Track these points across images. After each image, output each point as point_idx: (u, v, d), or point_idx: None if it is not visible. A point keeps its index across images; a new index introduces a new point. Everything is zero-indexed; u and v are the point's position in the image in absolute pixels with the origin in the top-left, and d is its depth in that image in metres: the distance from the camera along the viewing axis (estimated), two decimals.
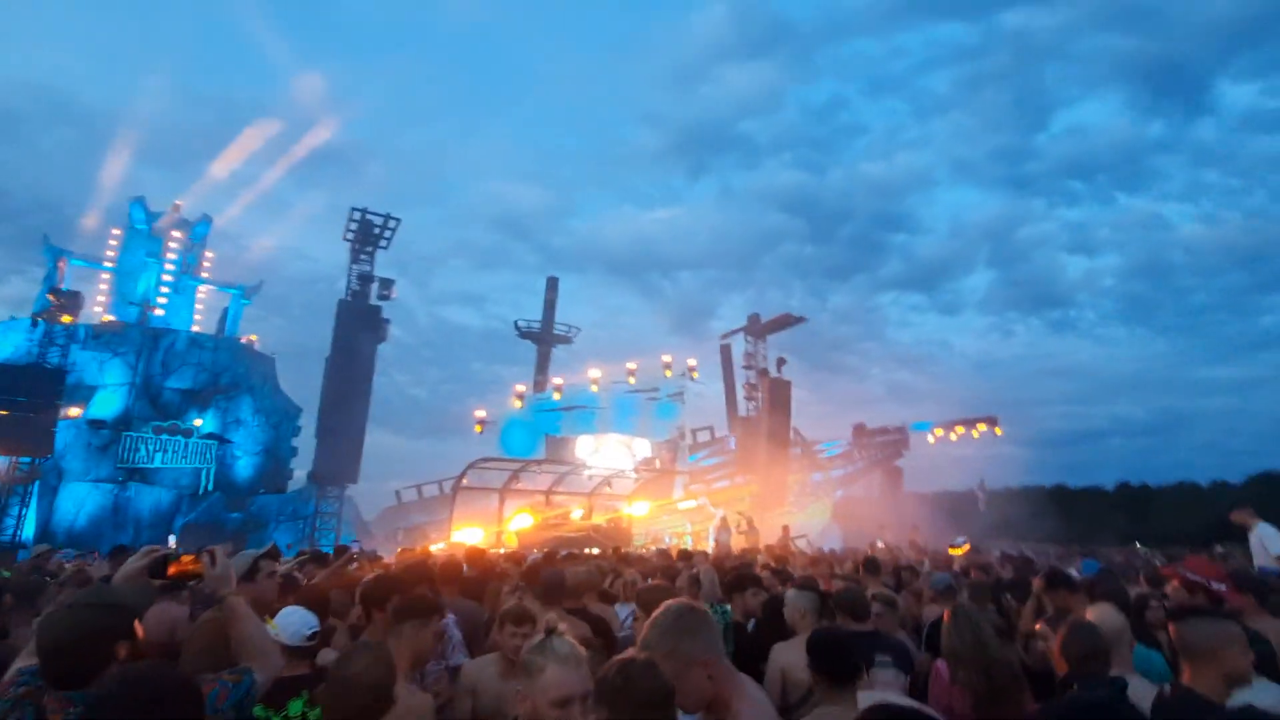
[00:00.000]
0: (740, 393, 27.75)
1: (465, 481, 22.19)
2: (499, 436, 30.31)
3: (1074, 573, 6.14)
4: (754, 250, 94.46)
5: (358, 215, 21.55)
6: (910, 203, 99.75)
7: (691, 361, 29.19)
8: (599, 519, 21.79)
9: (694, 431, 31.93)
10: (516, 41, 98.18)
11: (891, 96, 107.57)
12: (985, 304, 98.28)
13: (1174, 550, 18.86)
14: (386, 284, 21.92)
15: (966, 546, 8.73)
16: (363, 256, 21.58)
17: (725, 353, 29.15)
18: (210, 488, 19.64)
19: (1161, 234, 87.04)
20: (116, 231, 23.47)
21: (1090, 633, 2.42)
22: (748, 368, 25.58)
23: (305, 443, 24.02)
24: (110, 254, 23.06)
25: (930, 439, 28.07)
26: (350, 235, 21.50)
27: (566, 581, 3.92)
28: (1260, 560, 6.14)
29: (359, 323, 20.77)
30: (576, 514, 22.33)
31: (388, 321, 22.33)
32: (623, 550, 12.86)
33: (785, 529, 15.58)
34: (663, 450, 28.94)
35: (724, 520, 16.41)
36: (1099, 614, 2.65)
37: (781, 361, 25.12)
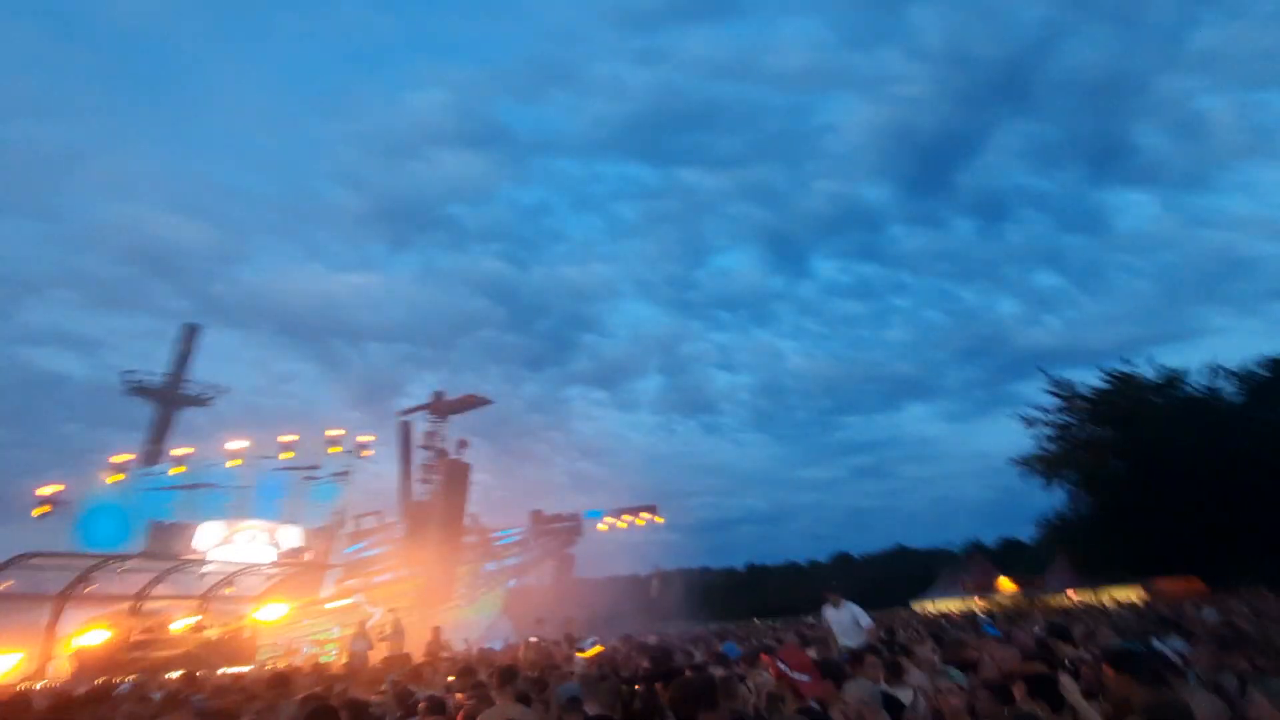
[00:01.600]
0: (416, 474, 25.60)
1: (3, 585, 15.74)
2: (87, 524, 22.89)
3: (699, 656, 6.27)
4: (452, 331, 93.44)
5: None
6: (599, 308, 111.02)
7: (366, 438, 26.24)
8: (216, 631, 17.27)
9: (358, 517, 28.36)
10: (199, 54, 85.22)
11: (590, 214, 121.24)
12: (655, 404, 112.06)
13: (783, 620, 22.14)
14: None
15: (597, 649, 8.66)
16: None
17: (404, 430, 26.84)
18: None
19: (778, 362, 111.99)
20: None
21: None
22: (426, 448, 23.83)
23: None
24: None
25: (602, 526, 29.31)
26: None
27: None
28: (842, 631, 7.25)
29: None
30: (184, 624, 17.44)
31: None
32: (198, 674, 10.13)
33: (434, 630, 14.10)
34: (317, 539, 24.89)
35: (360, 626, 14.26)
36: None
37: (463, 443, 24.04)
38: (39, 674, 14.71)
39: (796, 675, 3.40)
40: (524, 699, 4.63)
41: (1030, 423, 28.70)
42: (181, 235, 72.74)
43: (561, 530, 28.48)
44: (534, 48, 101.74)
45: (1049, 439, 28.35)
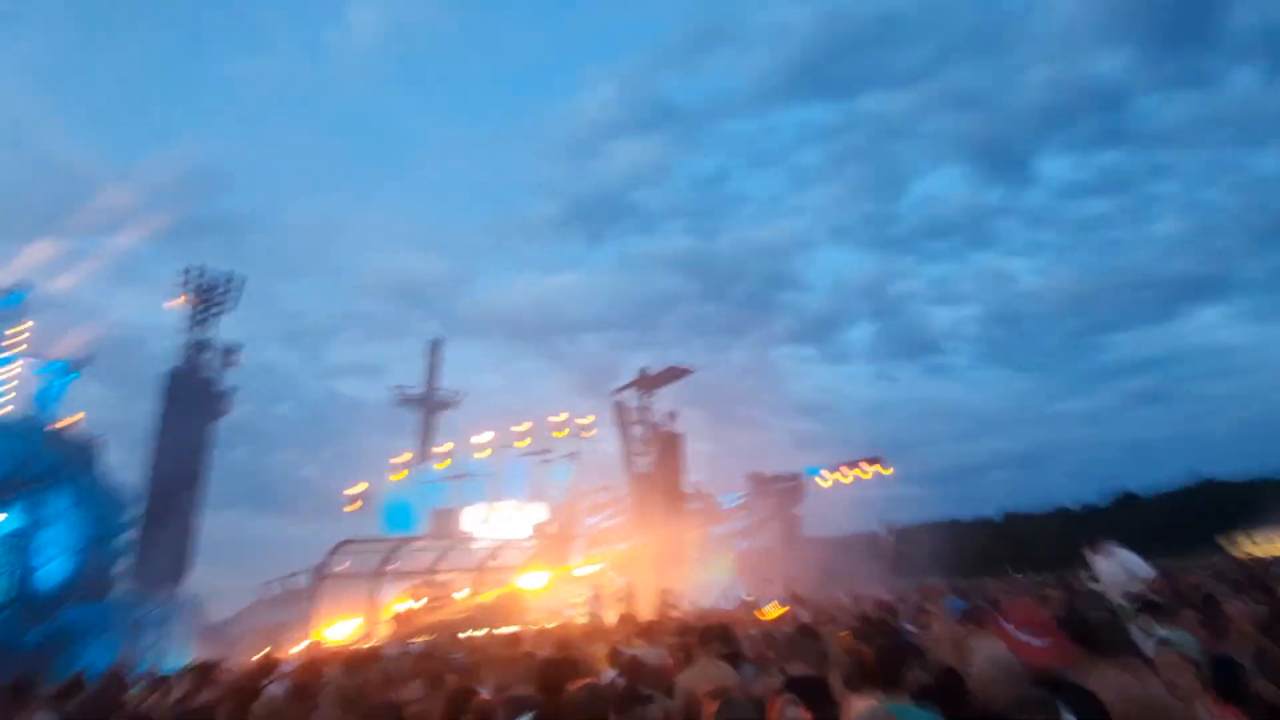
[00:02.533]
0: (635, 448, 26.97)
1: (333, 568, 19.88)
2: (387, 515, 27.91)
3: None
4: (654, 311, 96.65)
5: (193, 275, 19.36)
6: (795, 263, 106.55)
7: (586, 419, 28.32)
8: (489, 596, 19.97)
9: (594, 492, 30.75)
10: (406, 116, 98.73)
11: (771, 169, 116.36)
12: (869, 353, 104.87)
13: (1052, 573, 19.46)
14: (230, 352, 19.64)
15: (780, 610, 8.17)
16: (200, 322, 19.28)
17: (618, 409, 28.41)
18: (6, 599, 16.25)
19: (1010, 286, 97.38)
20: None
21: None
22: (638, 423, 24.95)
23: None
24: None
25: (822, 482, 28.29)
26: (184, 297, 19.18)
27: None
28: (1114, 585, 5.99)
29: (190, 396, 18.32)
30: (465, 592, 20.50)
31: (228, 393, 19.90)
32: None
33: (663, 592, 14.65)
34: (560, 514, 27.51)
35: (597, 591, 15.28)
36: None
37: (672, 415, 24.71)
38: (368, 636, 18.21)
39: (1026, 637, 2.77)
40: (730, 659, 4.50)
41: None
42: (424, 268, 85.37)
43: (783, 490, 28.06)
44: (685, 16, 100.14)
45: None
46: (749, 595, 20.93)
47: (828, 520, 29.55)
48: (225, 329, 21.02)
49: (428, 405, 29.48)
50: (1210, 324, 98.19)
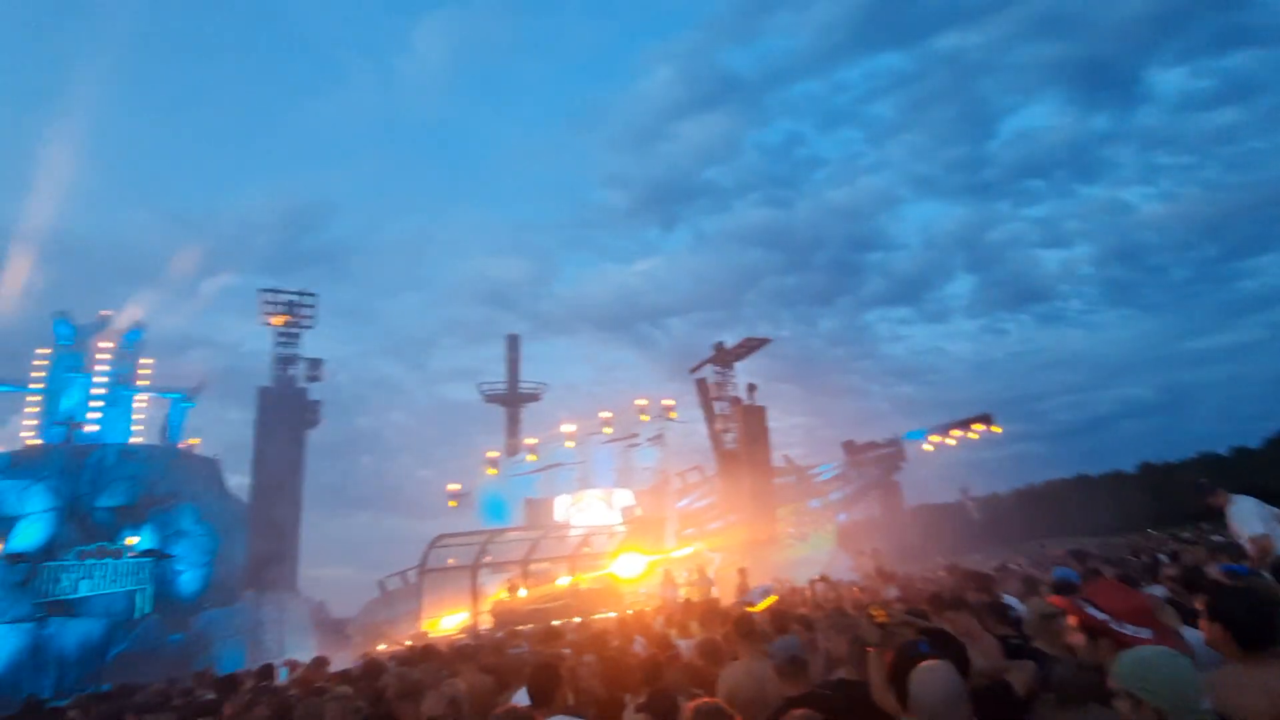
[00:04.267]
0: (720, 425, 26.30)
1: (431, 562, 20.58)
2: (484, 509, 28.78)
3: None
4: (736, 288, 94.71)
5: (270, 296, 20.52)
6: (879, 222, 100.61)
7: (669, 401, 27.90)
8: (583, 582, 20.04)
9: (683, 473, 30.40)
10: (478, 127, 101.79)
11: (844, 128, 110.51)
12: (972, 308, 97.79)
13: (1195, 528, 17.11)
14: (314, 365, 20.68)
15: (770, 599, 7.19)
16: (284, 339, 20.43)
17: (701, 387, 27.80)
18: (148, 610, 17.98)
19: (1126, 218, 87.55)
20: (44, 351, 22.49)
21: None
22: (718, 399, 24.23)
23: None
24: (37, 375, 22.02)
25: (926, 447, 26.50)
26: (267, 318, 20.40)
27: None
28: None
29: (282, 409, 19.46)
30: (564, 580, 20.71)
31: (317, 404, 20.98)
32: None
33: (741, 572, 13.96)
34: (648, 498, 27.31)
35: (668, 575, 14.77)
36: None
37: (752, 388, 23.80)
38: (473, 627, 18.68)
39: (1116, 625, 2.01)
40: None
41: None
42: (508, 272, 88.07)
43: (880, 458, 26.52)
44: None
45: None
46: (851, 570, 19.90)
47: (937, 486, 27.66)
48: (317, 346, 22.21)
49: (511, 400, 30.01)
50: None
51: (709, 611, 6.26)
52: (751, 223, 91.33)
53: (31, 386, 21.79)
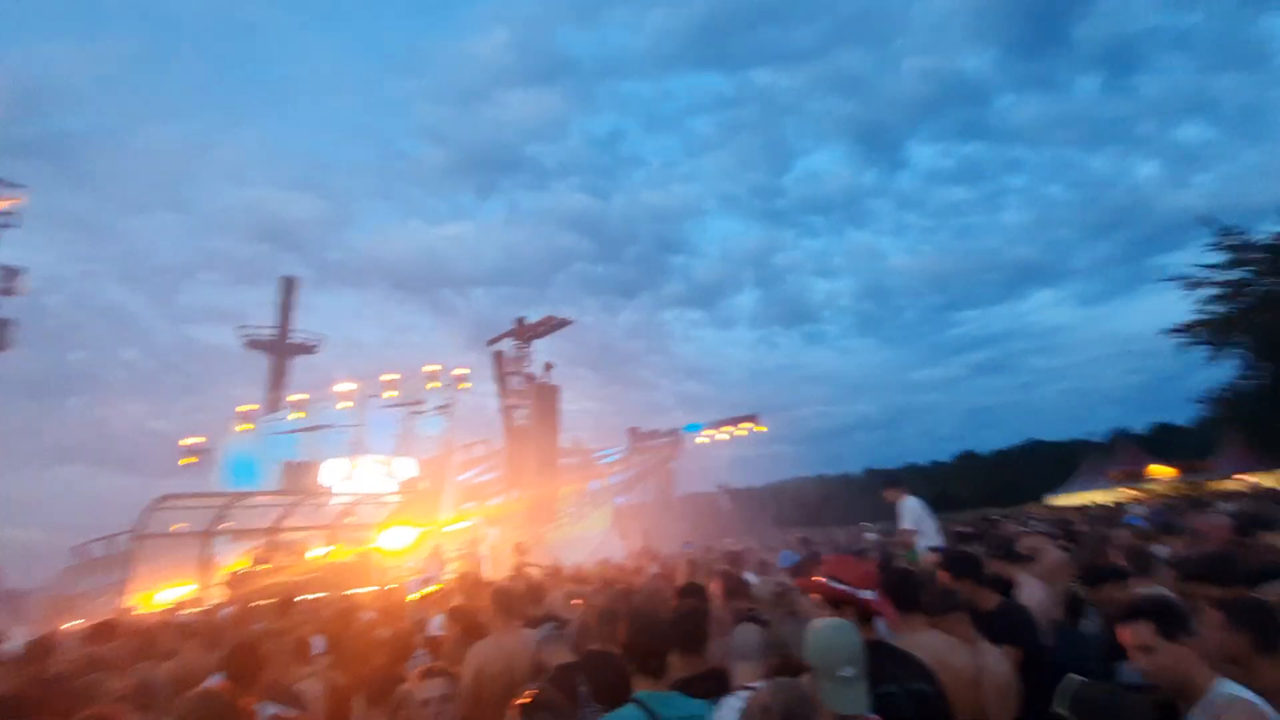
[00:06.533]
0: (511, 400, 25.92)
1: (152, 526, 17.53)
2: (230, 469, 25.28)
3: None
4: (546, 268, 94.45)
5: None
6: (686, 228, 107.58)
7: (461, 370, 26.84)
8: (342, 555, 18.50)
9: (468, 446, 29.58)
10: (282, 39, 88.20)
11: (665, 134, 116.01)
12: (753, 319, 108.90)
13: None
14: (9, 274, 16.26)
15: (436, 586, 7.68)
16: None
17: (498, 360, 27.14)
18: None
19: (880, 263, 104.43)
20: None
21: None
22: (513, 374, 23.87)
23: None
24: None
25: (701, 439, 28.75)
26: None
27: None
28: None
29: None
30: (320, 552, 18.90)
31: (8, 323, 16.62)
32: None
33: (517, 546, 14.05)
34: (430, 469, 26.10)
35: (436, 549, 14.42)
36: None
37: (549, 366, 23.84)
38: (199, 601, 16.30)
39: (855, 592, 2.28)
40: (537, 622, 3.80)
41: (1194, 284, 24.14)
42: (295, 209, 77.56)
43: (660, 446, 28.18)
44: None
45: (1215, 298, 23.85)
46: (623, 551, 20.91)
47: (707, 477, 30.18)
48: (22, 254, 17.45)
49: (279, 349, 26.53)
50: (1044, 304, 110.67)
51: (473, 586, 6.07)
52: (569, 206, 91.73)
53: None
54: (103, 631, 4.96)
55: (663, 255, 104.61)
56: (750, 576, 5.06)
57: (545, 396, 23.01)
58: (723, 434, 29.78)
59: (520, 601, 4.08)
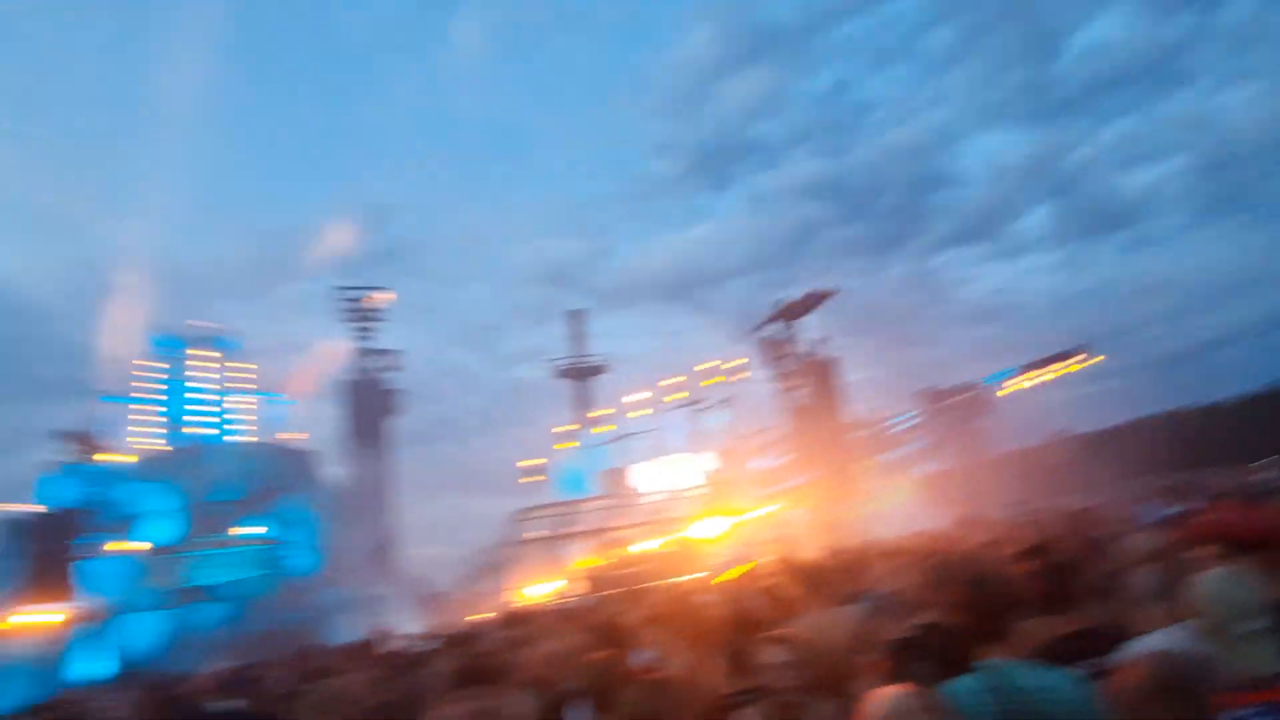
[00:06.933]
0: (789, 383, 25.94)
1: (514, 536, 21.46)
2: (561, 482, 29.64)
3: None
4: (795, 244, 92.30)
5: (344, 293, 21.59)
6: (941, 160, 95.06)
7: (735, 363, 27.79)
8: (664, 547, 20.48)
9: (757, 433, 30.31)
10: (521, 111, 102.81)
11: (895, 65, 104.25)
12: (1049, 240, 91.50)
13: None
14: (392, 356, 21.72)
15: (740, 569, 6.83)
16: (362, 334, 21.54)
17: (767, 346, 27.46)
18: (269, 591, 19.66)
19: (1215, 127, 79.17)
20: (152, 364, 24.53)
21: None
22: (786, 356, 23.85)
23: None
24: (147, 387, 24.10)
25: (1013, 388, 25.29)
26: (345, 316, 21.55)
27: None
28: None
29: (367, 401, 20.60)
30: (646, 545, 21.22)
31: (399, 394, 22.06)
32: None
33: (824, 525, 13.81)
34: (726, 460, 27.42)
35: (747, 535, 14.73)
36: None
37: (821, 341, 23.28)
38: (558, 594, 19.44)
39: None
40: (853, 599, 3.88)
41: None
42: (566, 251, 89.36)
43: (960, 404, 25.52)
44: None
45: None
46: (934, 522, 19.42)
47: (1026, 430, 26.38)
48: (394, 340, 23.39)
49: (578, 374, 30.58)
50: None
51: (786, 568, 6.28)
52: (805, 175, 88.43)
53: (145, 397, 23.89)
54: (509, 619, 6.35)
55: (920, 197, 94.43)
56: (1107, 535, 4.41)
57: (822, 373, 22.55)
58: (1040, 377, 25.89)
59: (834, 578, 4.14)
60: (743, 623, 3.65)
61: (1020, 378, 26.10)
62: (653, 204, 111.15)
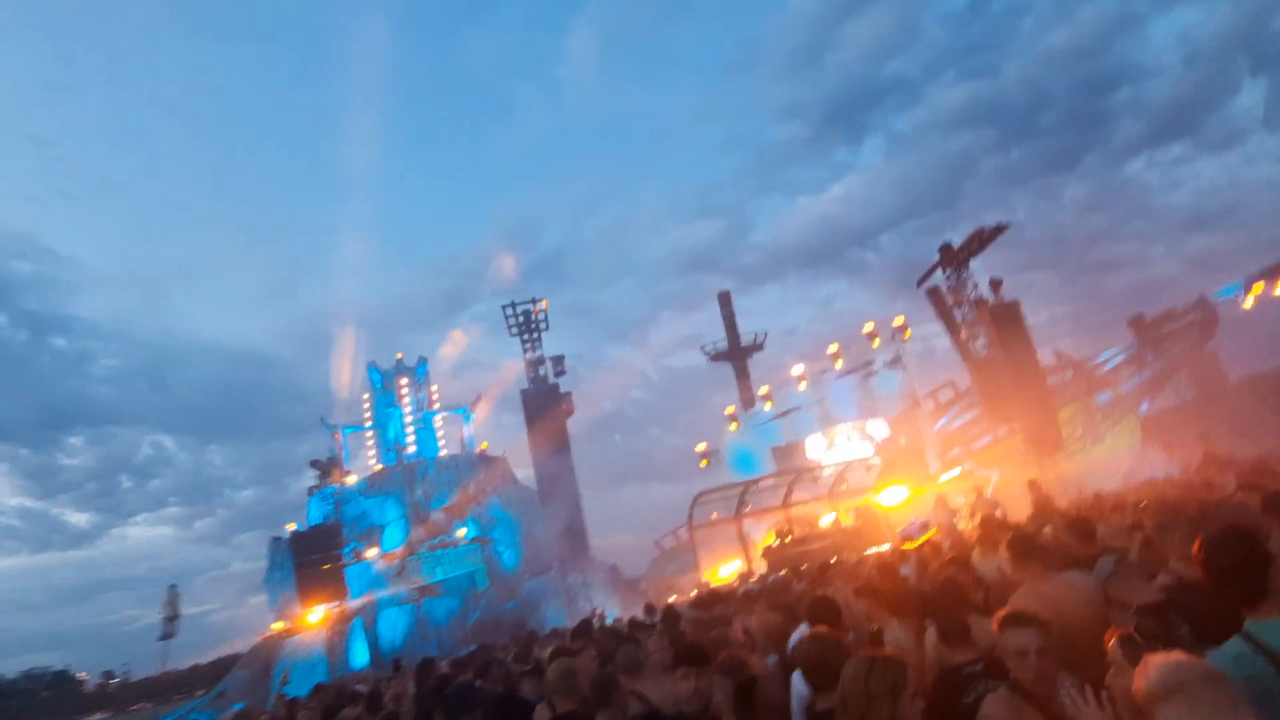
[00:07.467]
0: (965, 334, 23.85)
1: (697, 518, 21.93)
2: (733, 463, 29.84)
3: None
4: (951, 181, 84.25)
5: (510, 310, 23.53)
6: (1117, 51, 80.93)
7: (899, 320, 26.15)
8: (847, 520, 19.91)
9: (934, 393, 28.37)
10: (642, 107, 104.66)
11: None
12: (1271, 119, 74.69)
13: None
14: (558, 362, 23.28)
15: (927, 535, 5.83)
16: (528, 344, 23.33)
17: (934, 296, 25.39)
18: (485, 585, 22.07)
19: None
20: (366, 396, 28.43)
21: None
22: (955, 305, 21.93)
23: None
24: (367, 415, 27.96)
25: (1248, 303, 21.17)
26: (513, 330, 23.49)
27: None
28: None
29: (542, 405, 22.25)
30: (826, 519, 20.81)
31: (569, 395, 23.62)
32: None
33: (1031, 484, 12.53)
34: (901, 425, 25.94)
35: (940, 500, 13.75)
36: None
37: (996, 283, 21.16)
38: (749, 574, 19.62)
39: None
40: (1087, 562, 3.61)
41: None
42: (704, 235, 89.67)
43: (1183, 328, 21.90)
44: None
45: None
46: (1168, 468, 16.91)
47: (1270, 350, 22.10)
48: (556, 345, 24.97)
49: (735, 355, 30.46)
50: None
51: (995, 532, 5.87)
52: (951, 105, 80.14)
53: (366, 425, 27.76)
54: (706, 599, 6.61)
55: (1095, 99, 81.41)
56: None
57: (1003, 317, 20.51)
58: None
59: (1052, 541, 3.86)
60: (952, 593, 3.52)
61: (1255, 288, 21.83)
62: (784, 171, 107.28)
